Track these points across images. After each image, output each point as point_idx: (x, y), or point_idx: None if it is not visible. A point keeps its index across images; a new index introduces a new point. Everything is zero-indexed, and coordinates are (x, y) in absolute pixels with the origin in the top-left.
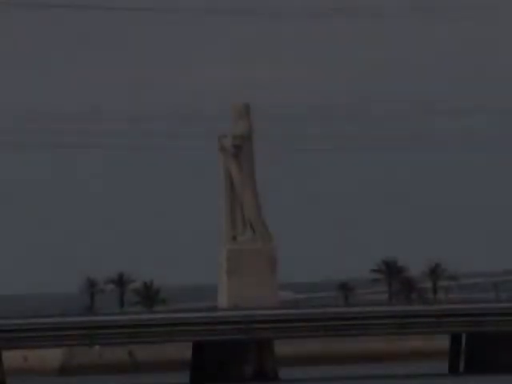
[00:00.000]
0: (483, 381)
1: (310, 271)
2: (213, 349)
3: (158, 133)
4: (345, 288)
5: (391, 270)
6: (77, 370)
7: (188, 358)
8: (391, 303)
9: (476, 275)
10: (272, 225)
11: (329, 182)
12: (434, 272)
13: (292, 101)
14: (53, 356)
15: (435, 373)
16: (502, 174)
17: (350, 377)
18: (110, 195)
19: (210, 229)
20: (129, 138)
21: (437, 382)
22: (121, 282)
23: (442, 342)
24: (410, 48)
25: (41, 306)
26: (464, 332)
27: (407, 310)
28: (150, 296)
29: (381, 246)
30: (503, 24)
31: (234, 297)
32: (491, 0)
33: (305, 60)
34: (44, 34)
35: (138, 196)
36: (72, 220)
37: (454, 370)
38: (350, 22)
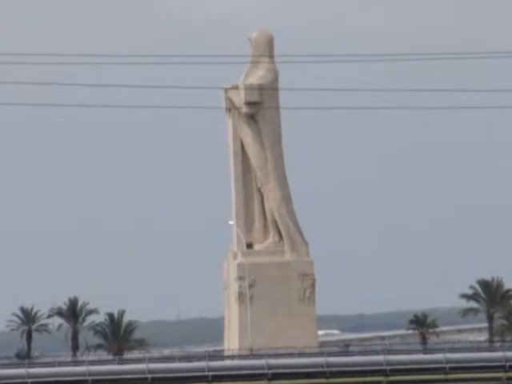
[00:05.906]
0: None
1: (367, 299)
2: None
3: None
4: (421, 323)
5: (493, 296)
6: None
7: None
8: (493, 346)
9: None
10: (308, 229)
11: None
12: None
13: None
14: None
15: None
16: None
17: None
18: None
19: (211, 232)
20: None
21: None
22: (73, 313)
23: None
24: None
25: None
26: None
27: None
28: (118, 335)
29: (475, 263)
30: None
31: (250, 336)
32: None
33: None
34: None
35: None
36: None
37: None
38: None
